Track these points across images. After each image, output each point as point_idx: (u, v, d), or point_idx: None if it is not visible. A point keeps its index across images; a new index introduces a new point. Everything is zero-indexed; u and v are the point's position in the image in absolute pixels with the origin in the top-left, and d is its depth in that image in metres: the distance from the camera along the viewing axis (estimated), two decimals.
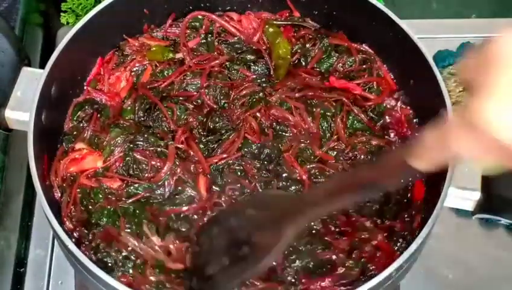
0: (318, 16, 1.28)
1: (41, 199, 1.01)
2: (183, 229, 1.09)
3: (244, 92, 1.20)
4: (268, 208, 0.99)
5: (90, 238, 1.07)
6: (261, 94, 1.19)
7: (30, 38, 1.48)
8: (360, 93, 1.20)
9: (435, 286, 1.30)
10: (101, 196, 1.11)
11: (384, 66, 1.24)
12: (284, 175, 1.13)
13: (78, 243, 1.07)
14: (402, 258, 0.95)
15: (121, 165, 1.13)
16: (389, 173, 0.85)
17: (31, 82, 1.11)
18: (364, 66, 1.24)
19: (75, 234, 1.08)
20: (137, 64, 1.24)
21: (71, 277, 1.28)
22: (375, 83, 1.22)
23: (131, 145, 1.13)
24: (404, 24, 1.15)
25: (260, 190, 1.11)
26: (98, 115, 1.18)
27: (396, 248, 1.07)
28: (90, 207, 1.10)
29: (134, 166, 1.13)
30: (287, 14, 1.29)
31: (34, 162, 1.03)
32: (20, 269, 1.29)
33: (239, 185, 1.12)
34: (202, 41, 1.26)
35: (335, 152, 1.15)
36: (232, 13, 1.29)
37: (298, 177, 1.12)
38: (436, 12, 1.61)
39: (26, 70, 1.13)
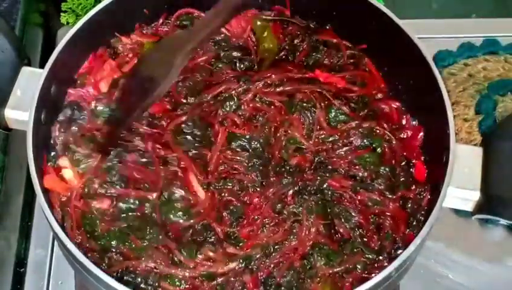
0: (317, 16, 1.27)
1: (40, 199, 1.01)
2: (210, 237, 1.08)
3: (218, 89, 1.18)
4: (162, 49, 1.11)
5: (107, 263, 1.05)
6: (234, 92, 1.17)
7: (30, 38, 1.48)
8: (343, 86, 1.20)
9: (434, 286, 1.30)
10: (97, 221, 1.07)
11: (372, 63, 1.23)
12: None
13: None
14: (401, 258, 0.95)
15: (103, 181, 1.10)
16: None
17: (30, 82, 1.11)
18: (351, 61, 1.24)
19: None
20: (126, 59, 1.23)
21: (71, 277, 1.28)
22: (361, 78, 1.21)
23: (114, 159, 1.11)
24: (403, 24, 1.14)
25: (256, 179, 1.12)
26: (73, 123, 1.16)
27: (412, 220, 1.09)
28: (94, 233, 1.07)
29: (116, 179, 1.10)
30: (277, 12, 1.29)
31: (33, 162, 1.02)
32: (20, 269, 1.29)
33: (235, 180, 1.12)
34: None
35: (330, 144, 1.15)
36: None
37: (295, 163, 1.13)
38: (436, 13, 1.61)
39: (26, 70, 1.13)
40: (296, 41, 1.25)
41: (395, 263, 0.95)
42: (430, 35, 1.50)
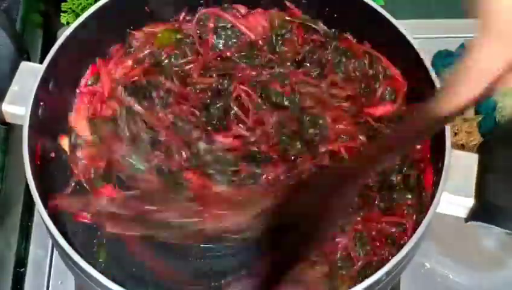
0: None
1: (37, 202, 1.01)
2: None
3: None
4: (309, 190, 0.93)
5: None
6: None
7: (30, 38, 1.48)
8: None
9: (434, 286, 1.30)
10: None
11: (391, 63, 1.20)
12: None
13: None
14: (392, 263, 0.94)
15: None
16: (418, 131, 0.81)
17: (29, 76, 1.11)
18: (370, 72, 1.21)
19: None
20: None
21: (71, 277, 1.27)
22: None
23: None
24: (399, 24, 1.13)
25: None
26: None
27: None
28: None
29: None
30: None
31: (28, 158, 1.02)
32: (20, 269, 1.30)
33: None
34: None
35: None
36: (240, 5, 1.27)
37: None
38: (436, 13, 1.60)
39: (24, 65, 1.13)
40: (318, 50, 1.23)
41: (386, 268, 0.93)
42: (430, 35, 1.49)
